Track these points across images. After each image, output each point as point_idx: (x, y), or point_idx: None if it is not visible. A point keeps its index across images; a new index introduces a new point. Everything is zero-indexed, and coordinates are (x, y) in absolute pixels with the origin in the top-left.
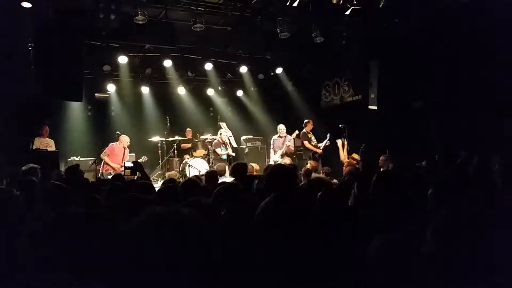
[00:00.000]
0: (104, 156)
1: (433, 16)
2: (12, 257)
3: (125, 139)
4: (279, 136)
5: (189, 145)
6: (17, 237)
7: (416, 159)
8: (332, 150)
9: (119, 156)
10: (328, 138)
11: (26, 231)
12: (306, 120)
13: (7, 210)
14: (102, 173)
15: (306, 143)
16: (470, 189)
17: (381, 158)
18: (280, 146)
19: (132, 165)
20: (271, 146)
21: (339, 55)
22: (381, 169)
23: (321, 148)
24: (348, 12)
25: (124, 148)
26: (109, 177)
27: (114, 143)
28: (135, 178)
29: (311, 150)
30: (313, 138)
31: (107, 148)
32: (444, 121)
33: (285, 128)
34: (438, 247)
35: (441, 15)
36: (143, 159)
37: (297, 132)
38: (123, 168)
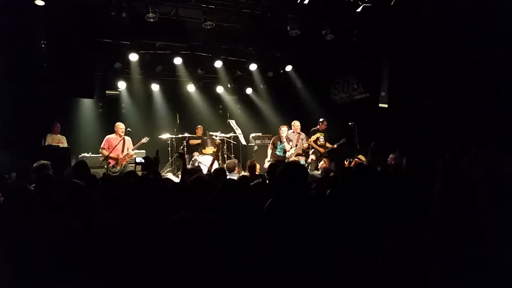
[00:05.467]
0: (102, 151)
1: (445, 13)
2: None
3: (119, 127)
4: (294, 132)
5: (197, 142)
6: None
7: (426, 158)
8: (338, 149)
9: (118, 146)
10: (341, 142)
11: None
12: (321, 119)
13: (23, 204)
14: (108, 168)
15: (310, 140)
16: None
17: (390, 156)
18: (295, 142)
19: (143, 160)
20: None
21: (350, 53)
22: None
23: (326, 150)
24: (359, 10)
25: (122, 137)
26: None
27: (109, 136)
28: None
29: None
30: (321, 138)
31: (103, 142)
32: (455, 119)
33: (299, 124)
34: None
35: (453, 13)
36: (145, 140)
37: (318, 135)
38: (122, 156)
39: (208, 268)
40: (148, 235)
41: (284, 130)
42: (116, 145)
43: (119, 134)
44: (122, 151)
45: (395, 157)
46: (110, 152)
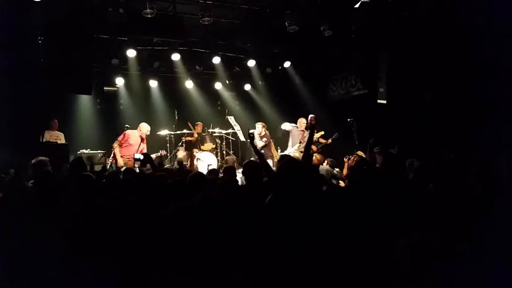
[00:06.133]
0: (115, 144)
1: (443, 9)
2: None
3: (144, 127)
4: (298, 129)
5: (193, 138)
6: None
7: (425, 155)
8: (336, 145)
9: (134, 146)
10: (334, 136)
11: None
12: (310, 115)
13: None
14: (111, 163)
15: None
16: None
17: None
18: (298, 139)
19: (142, 157)
20: (290, 134)
21: (348, 49)
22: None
23: (319, 146)
24: (357, 6)
25: (142, 138)
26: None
27: (129, 131)
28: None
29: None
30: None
31: (121, 135)
32: (454, 116)
33: (305, 121)
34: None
35: (451, 8)
36: (162, 152)
37: (322, 132)
38: (129, 162)
39: (202, 260)
40: (144, 229)
41: (258, 126)
42: (133, 144)
43: (141, 135)
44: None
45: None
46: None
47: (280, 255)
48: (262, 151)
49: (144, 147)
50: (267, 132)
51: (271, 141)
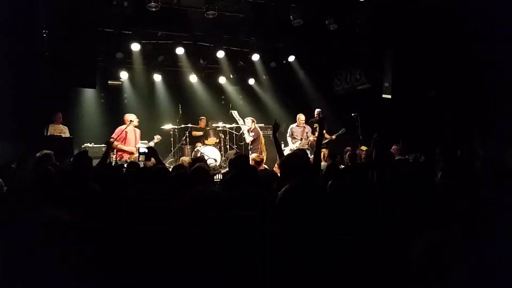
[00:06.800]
0: (114, 142)
1: (448, 4)
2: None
3: (131, 118)
4: (298, 126)
5: (200, 133)
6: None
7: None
8: (341, 140)
9: (130, 139)
10: (339, 132)
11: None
12: (316, 110)
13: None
14: (116, 161)
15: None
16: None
17: (393, 147)
18: (300, 136)
19: (146, 150)
20: (288, 134)
21: (353, 43)
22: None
23: (324, 141)
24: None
25: (134, 129)
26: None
27: (122, 126)
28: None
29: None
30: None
31: (115, 133)
32: (459, 111)
33: (304, 118)
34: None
35: (456, 3)
36: (156, 138)
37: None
38: (137, 153)
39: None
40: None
41: (247, 121)
42: (125, 136)
43: (133, 125)
44: (135, 144)
45: (398, 148)
46: (117, 142)
47: (293, 243)
48: (251, 146)
49: (138, 137)
50: (256, 126)
51: (260, 135)
